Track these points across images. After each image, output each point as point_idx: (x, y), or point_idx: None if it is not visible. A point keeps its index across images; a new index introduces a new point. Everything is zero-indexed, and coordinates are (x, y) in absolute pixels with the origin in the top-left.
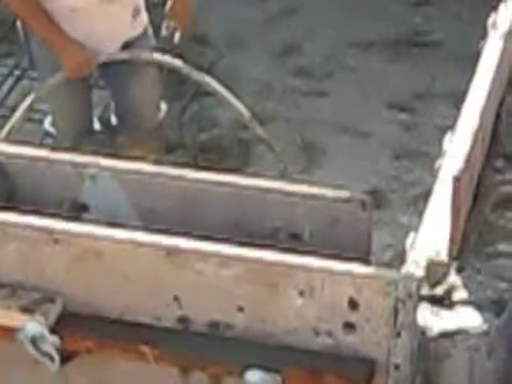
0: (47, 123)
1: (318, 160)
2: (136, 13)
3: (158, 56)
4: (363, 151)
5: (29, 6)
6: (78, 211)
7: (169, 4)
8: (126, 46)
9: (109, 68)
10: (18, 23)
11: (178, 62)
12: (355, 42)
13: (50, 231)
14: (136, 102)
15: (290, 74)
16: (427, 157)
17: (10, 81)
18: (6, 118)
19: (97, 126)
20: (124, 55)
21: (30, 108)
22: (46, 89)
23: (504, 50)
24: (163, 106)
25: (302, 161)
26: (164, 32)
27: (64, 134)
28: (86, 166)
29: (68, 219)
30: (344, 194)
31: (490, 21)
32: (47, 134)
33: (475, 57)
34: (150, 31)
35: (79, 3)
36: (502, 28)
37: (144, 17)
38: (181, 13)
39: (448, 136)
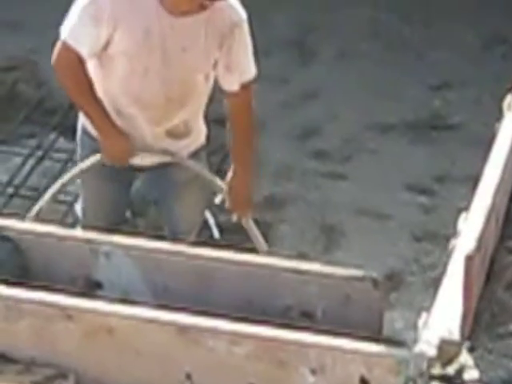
0: (78, 209)
1: (337, 241)
2: (177, 136)
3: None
4: (382, 233)
5: (77, 78)
6: (91, 288)
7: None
8: (167, 165)
9: (152, 185)
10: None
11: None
12: (375, 125)
13: (63, 308)
14: (178, 224)
15: (310, 156)
16: (446, 239)
17: (32, 161)
18: (27, 198)
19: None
20: (160, 153)
21: (60, 190)
22: (77, 172)
23: None
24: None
25: (321, 242)
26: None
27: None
28: (99, 243)
29: (81, 296)
30: (356, 272)
31: (506, 102)
32: (77, 219)
33: (493, 139)
34: (202, 160)
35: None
36: None
37: (192, 143)
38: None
39: (463, 217)
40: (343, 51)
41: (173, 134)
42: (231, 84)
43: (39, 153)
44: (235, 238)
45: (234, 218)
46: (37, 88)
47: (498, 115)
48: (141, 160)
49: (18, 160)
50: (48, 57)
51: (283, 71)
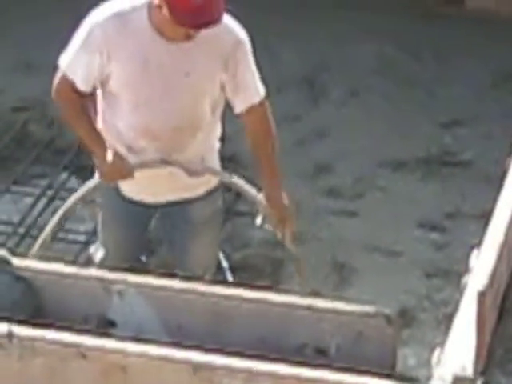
0: (93, 251)
1: (348, 279)
2: (193, 173)
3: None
4: (394, 270)
5: (75, 106)
6: (105, 327)
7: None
8: (183, 202)
9: (167, 226)
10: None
11: (244, 186)
12: (386, 162)
13: (77, 346)
14: (192, 265)
15: (322, 194)
16: (458, 275)
17: (43, 201)
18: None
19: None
20: (160, 163)
21: (62, 226)
22: (76, 200)
23: None
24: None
25: (332, 279)
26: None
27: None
28: (113, 282)
29: (95, 335)
30: (369, 309)
31: None
32: (90, 261)
33: (504, 175)
34: (218, 200)
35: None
36: None
37: (209, 182)
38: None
39: (475, 253)
40: (354, 89)
41: (190, 171)
42: (242, 105)
43: (50, 193)
44: (244, 275)
45: (278, 235)
46: (47, 128)
47: (509, 151)
48: (155, 198)
49: (29, 200)
50: None
51: (294, 109)
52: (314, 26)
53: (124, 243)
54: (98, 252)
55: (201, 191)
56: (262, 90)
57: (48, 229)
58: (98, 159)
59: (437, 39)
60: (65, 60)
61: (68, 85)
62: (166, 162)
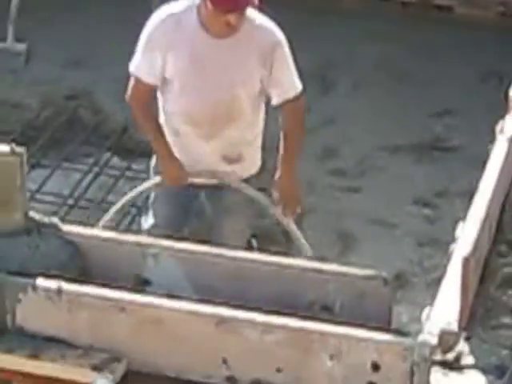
0: (143, 219)
1: (351, 247)
2: (228, 160)
3: (245, 187)
4: (390, 239)
5: (144, 109)
6: (141, 285)
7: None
8: (218, 187)
9: (207, 201)
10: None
11: (263, 199)
12: (385, 146)
13: (117, 301)
14: (221, 238)
15: (329, 174)
16: (446, 245)
17: (89, 177)
18: (85, 209)
19: None
20: (208, 176)
21: (124, 206)
22: (141, 190)
23: (509, 152)
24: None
25: (337, 247)
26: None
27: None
28: (149, 246)
29: (132, 291)
30: (369, 272)
31: (498, 127)
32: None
33: (487, 159)
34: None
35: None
36: (508, 133)
37: (244, 170)
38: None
39: (460, 225)
40: (358, 83)
41: (226, 158)
42: (277, 99)
43: (96, 169)
44: (260, 243)
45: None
46: (94, 114)
47: (492, 138)
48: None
49: (77, 176)
50: (103, 88)
51: (306, 101)
52: (325, 30)
53: (171, 217)
54: (147, 222)
55: (233, 178)
56: (298, 86)
57: (109, 215)
58: (160, 160)
59: (430, 41)
60: (133, 63)
61: (138, 87)
62: (216, 176)
